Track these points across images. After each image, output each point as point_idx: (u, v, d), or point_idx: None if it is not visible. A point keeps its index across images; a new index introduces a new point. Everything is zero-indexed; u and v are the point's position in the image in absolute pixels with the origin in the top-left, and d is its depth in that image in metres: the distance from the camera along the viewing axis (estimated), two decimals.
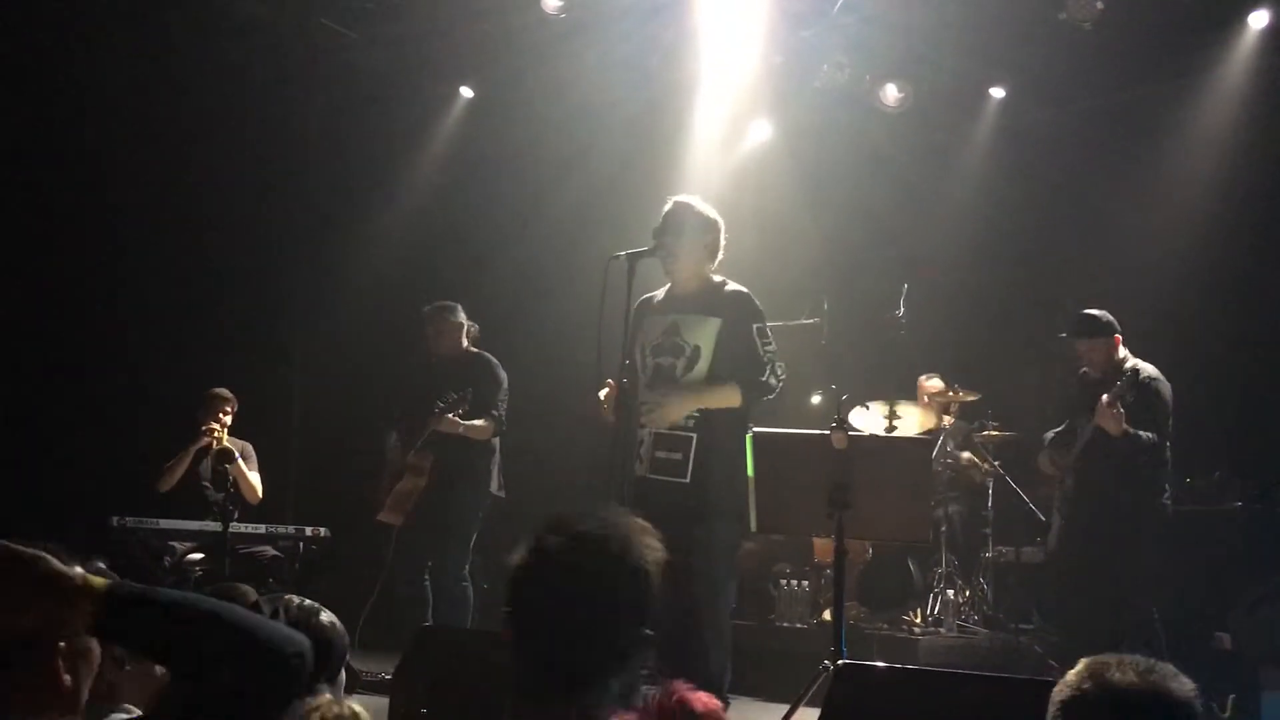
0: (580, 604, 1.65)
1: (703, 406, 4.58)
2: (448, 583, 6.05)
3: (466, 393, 5.90)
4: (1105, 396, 5.45)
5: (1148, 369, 5.65)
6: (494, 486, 6.19)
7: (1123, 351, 5.73)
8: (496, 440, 6.19)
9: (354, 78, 8.04)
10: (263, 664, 1.51)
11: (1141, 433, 5.49)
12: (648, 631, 1.71)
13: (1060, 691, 1.82)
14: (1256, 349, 7.07)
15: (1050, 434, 6.12)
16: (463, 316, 6.31)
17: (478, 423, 6.02)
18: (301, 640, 1.57)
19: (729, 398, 4.58)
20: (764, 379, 4.57)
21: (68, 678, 1.64)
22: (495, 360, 6.26)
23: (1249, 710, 5.17)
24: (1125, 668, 1.79)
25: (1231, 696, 5.51)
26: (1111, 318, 5.74)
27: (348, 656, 3.27)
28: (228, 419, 6.48)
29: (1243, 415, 7.05)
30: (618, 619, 1.68)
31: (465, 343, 6.30)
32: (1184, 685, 1.80)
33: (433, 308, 6.35)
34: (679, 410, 4.58)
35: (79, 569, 1.56)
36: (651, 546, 1.72)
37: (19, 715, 1.60)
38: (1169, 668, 1.82)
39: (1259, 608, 5.46)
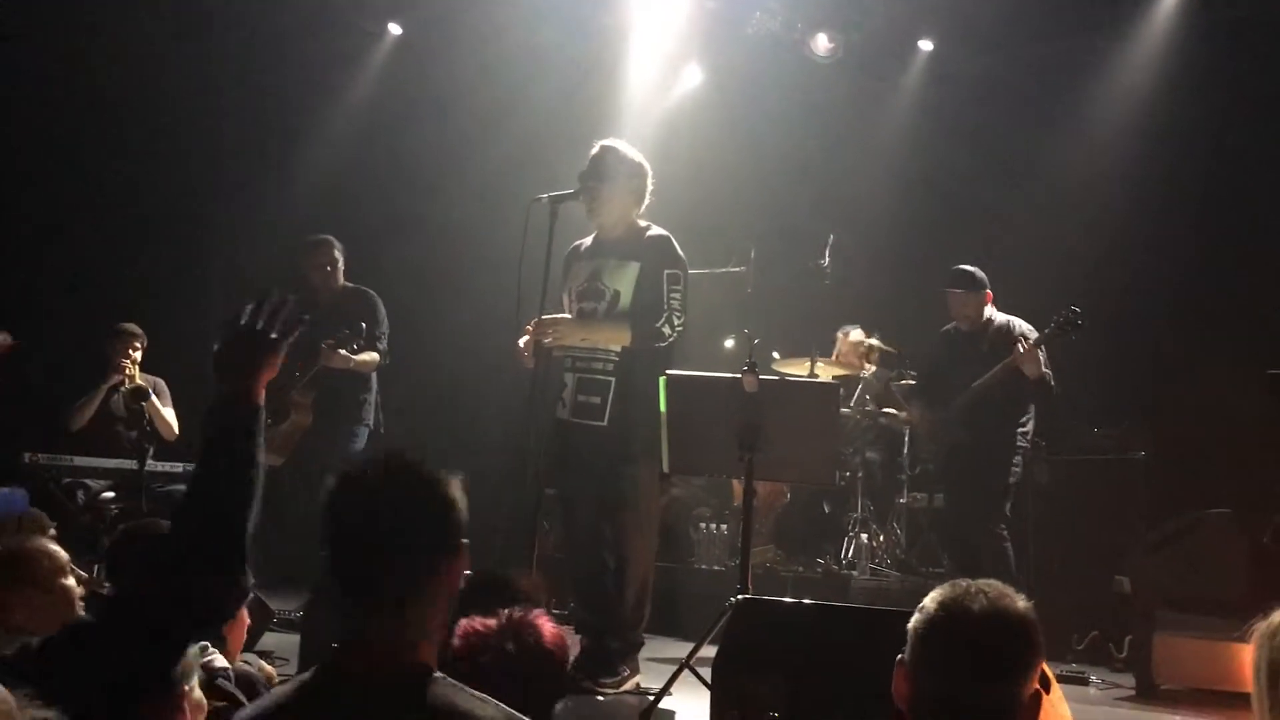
0: (395, 517, 1.78)
1: (588, 336, 4.63)
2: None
3: (359, 328, 5.85)
4: (1024, 341, 5.74)
5: (1024, 325, 5.91)
6: (372, 422, 6.18)
7: (989, 309, 6.00)
8: (375, 377, 6.16)
9: (278, 8, 7.86)
10: None
11: (1048, 374, 5.76)
12: (463, 541, 1.85)
13: (915, 621, 1.91)
14: (1172, 301, 7.26)
15: (900, 384, 6.72)
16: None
17: (365, 356, 5.98)
18: None
19: (618, 335, 4.60)
20: (658, 325, 4.56)
21: None
22: (375, 294, 6.22)
23: (1144, 650, 5.37)
24: (972, 594, 1.88)
25: (1128, 637, 5.74)
26: (984, 276, 5.99)
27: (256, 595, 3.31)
28: (137, 354, 6.37)
29: (1153, 367, 7.25)
30: (429, 528, 1.81)
31: (341, 277, 6.24)
32: (1021, 602, 1.90)
33: (320, 240, 6.23)
34: (569, 336, 4.62)
35: None
36: (451, 474, 1.87)
37: None
38: (1008, 589, 1.91)
39: (1156, 552, 5.65)
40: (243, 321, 2.14)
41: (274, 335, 2.16)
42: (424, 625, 1.79)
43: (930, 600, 1.90)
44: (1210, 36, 7.23)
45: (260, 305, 2.17)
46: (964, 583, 1.90)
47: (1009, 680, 1.85)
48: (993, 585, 1.90)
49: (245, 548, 2.08)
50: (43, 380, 6.68)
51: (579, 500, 4.77)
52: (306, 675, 1.78)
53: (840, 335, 7.57)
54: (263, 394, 2.15)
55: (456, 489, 1.84)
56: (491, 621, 2.25)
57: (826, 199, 8.34)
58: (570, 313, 4.73)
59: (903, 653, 1.91)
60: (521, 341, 4.62)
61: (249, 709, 1.86)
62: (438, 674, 1.75)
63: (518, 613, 2.28)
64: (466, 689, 1.73)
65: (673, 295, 4.59)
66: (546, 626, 2.28)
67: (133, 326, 6.45)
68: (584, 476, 4.66)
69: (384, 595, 1.77)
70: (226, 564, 2.02)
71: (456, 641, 2.22)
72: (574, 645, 4.11)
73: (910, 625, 1.91)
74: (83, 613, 3.04)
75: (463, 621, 2.25)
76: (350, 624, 1.78)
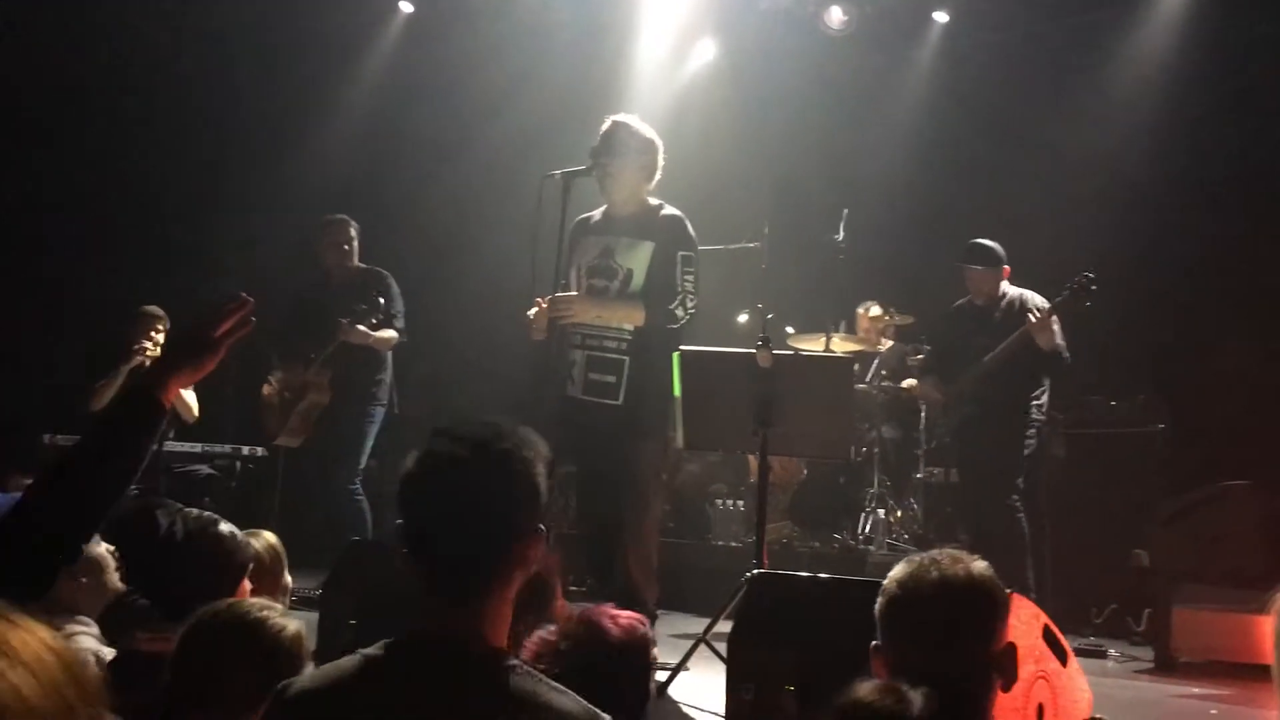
0: (471, 501, 1.68)
1: (603, 314, 4.62)
2: (340, 495, 6.00)
3: (375, 304, 5.86)
4: (1036, 311, 5.67)
5: (1037, 298, 5.84)
6: (387, 401, 6.18)
7: (1004, 285, 5.94)
8: (389, 356, 6.17)
9: None
10: None
11: (1061, 346, 5.70)
12: (541, 527, 1.74)
13: (878, 604, 1.91)
14: (1188, 275, 7.20)
15: (915, 360, 6.69)
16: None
17: (384, 334, 5.98)
18: None
19: (632, 314, 4.60)
20: (672, 307, 4.56)
21: None
22: (388, 273, 6.22)
23: (1162, 623, 5.36)
24: (926, 567, 1.88)
25: (1147, 610, 5.73)
26: (1003, 251, 5.93)
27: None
28: (160, 336, 6.40)
29: (1171, 339, 7.20)
30: (510, 515, 1.70)
31: (355, 257, 6.25)
32: (977, 565, 1.91)
33: (337, 219, 6.23)
34: (584, 314, 4.62)
35: None
36: (539, 446, 1.75)
37: None
38: (963, 554, 1.92)
39: (1174, 525, 5.62)
40: (201, 319, 2.12)
41: (215, 336, 2.13)
42: (498, 610, 1.72)
43: (889, 580, 1.92)
44: (1225, 6, 7.14)
45: (220, 306, 2.14)
46: (918, 557, 1.92)
47: (967, 644, 1.86)
48: (946, 554, 1.91)
49: (94, 527, 2.09)
50: (63, 362, 6.72)
51: (589, 477, 4.78)
52: (374, 650, 1.68)
53: (860, 311, 7.55)
54: (172, 396, 2.11)
55: (540, 464, 1.73)
56: (553, 631, 2.20)
57: (841, 173, 8.28)
58: (579, 288, 4.72)
59: (875, 639, 1.92)
60: (531, 313, 4.62)
61: (309, 678, 1.72)
62: (514, 661, 1.69)
63: (582, 614, 2.23)
64: (546, 680, 1.66)
65: (686, 278, 4.58)
66: (613, 624, 2.23)
67: (155, 309, 6.48)
68: (595, 454, 4.67)
69: (460, 583, 1.70)
70: (70, 538, 2.01)
71: (525, 654, 2.14)
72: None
73: (876, 609, 1.91)
74: None
75: (537, 634, 2.21)
76: (426, 605, 1.70)
